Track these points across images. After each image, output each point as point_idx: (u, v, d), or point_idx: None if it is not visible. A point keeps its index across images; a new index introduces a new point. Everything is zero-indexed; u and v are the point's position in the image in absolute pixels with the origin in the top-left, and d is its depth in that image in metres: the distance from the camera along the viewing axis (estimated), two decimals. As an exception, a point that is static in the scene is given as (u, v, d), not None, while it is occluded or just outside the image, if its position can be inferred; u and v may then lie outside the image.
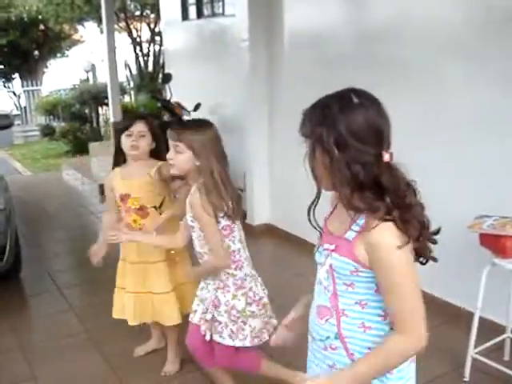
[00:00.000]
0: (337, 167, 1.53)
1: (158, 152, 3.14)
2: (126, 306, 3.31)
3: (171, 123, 2.78)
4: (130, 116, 3.27)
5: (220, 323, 2.74)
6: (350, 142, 1.52)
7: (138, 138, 3.04)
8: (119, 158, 3.19)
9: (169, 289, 3.22)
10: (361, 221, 1.58)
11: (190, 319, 2.91)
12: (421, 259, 1.68)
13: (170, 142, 2.64)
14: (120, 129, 3.10)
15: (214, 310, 2.74)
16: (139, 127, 3.05)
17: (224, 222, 2.62)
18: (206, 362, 3.00)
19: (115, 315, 3.42)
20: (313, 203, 1.66)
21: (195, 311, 2.87)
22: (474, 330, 3.11)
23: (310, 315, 1.82)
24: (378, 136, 1.56)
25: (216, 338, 2.76)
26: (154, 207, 3.17)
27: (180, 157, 2.60)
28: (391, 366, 1.63)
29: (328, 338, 1.72)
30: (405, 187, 1.59)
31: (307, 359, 1.87)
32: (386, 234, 1.53)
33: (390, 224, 1.53)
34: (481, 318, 3.11)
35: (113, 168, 3.25)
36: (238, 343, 2.74)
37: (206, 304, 2.79)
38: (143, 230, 3.16)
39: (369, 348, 1.66)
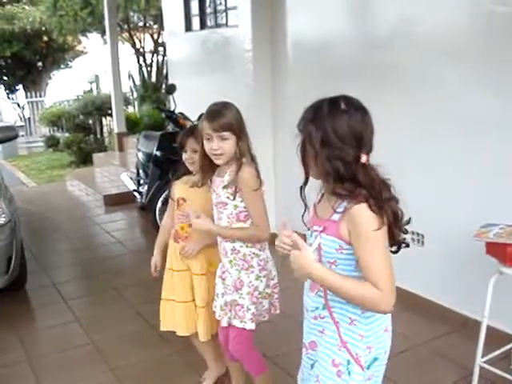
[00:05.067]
0: (321, 161, 1.83)
1: None
2: (178, 317, 3.21)
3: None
4: (186, 131, 3.38)
5: (242, 307, 2.76)
6: (333, 141, 1.80)
7: (192, 154, 3.10)
8: (184, 169, 3.24)
9: (203, 304, 3.15)
10: (343, 204, 1.85)
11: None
12: (393, 248, 1.95)
13: (211, 134, 2.64)
14: (179, 145, 3.19)
15: (234, 292, 2.77)
16: (191, 143, 3.10)
17: None
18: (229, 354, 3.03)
19: (164, 328, 3.29)
20: (304, 184, 1.98)
21: (215, 306, 2.91)
22: (481, 338, 3.10)
23: (304, 291, 2.10)
24: (358, 140, 1.83)
25: (236, 323, 2.77)
26: None
27: (227, 144, 2.65)
28: (349, 297, 1.84)
29: (317, 308, 2.01)
30: (380, 185, 1.85)
31: (303, 329, 2.14)
32: (363, 212, 1.80)
33: (364, 205, 1.80)
34: (488, 327, 3.09)
35: (177, 177, 3.31)
36: (252, 326, 2.77)
37: (226, 286, 2.81)
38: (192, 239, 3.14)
39: (349, 318, 1.93)
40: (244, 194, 2.69)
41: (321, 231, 1.92)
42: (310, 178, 1.96)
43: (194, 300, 3.18)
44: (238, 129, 2.66)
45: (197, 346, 3.35)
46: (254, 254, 2.76)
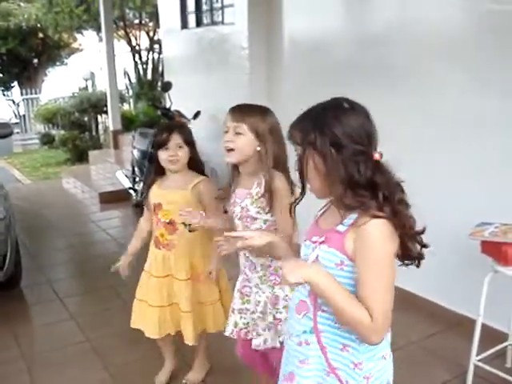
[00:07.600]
0: (333, 167, 1.64)
1: (195, 161, 3.07)
2: (148, 320, 3.13)
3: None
4: (163, 128, 3.12)
5: (280, 321, 2.51)
6: (346, 143, 1.64)
7: (176, 151, 2.95)
8: (158, 171, 3.08)
9: (189, 309, 3.05)
10: (353, 215, 1.66)
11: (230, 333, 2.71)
12: (406, 261, 1.74)
13: (229, 124, 2.46)
14: (157, 143, 2.99)
15: (273, 309, 2.53)
16: (176, 139, 2.94)
17: None
18: (261, 369, 2.83)
19: (134, 325, 3.22)
20: (295, 200, 1.93)
21: (235, 323, 2.66)
22: (476, 337, 3.11)
23: (288, 312, 1.96)
24: (369, 138, 1.69)
25: (275, 343, 2.52)
26: (184, 224, 2.97)
27: (242, 139, 2.42)
28: (343, 316, 1.63)
29: (304, 332, 1.79)
30: (394, 185, 1.69)
31: (282, 358, 1.95)
32: (377, 229, 1.60)
33: (381, 221, 1.61)
34: (483, 325, 3.10)
35: (152, 181, 3.12)
36: None
37: (261, 307, 2.55)
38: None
39: (342, 344, 1.72)
40: (276, 206, 2.42)
41: (321, 242, 1.71)
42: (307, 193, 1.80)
43: (170, 305, 3.10)
44: (261, 130, 2.43)
45: (163, 348, 3.34)
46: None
